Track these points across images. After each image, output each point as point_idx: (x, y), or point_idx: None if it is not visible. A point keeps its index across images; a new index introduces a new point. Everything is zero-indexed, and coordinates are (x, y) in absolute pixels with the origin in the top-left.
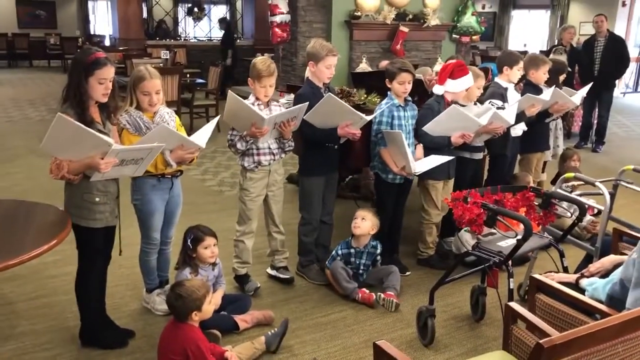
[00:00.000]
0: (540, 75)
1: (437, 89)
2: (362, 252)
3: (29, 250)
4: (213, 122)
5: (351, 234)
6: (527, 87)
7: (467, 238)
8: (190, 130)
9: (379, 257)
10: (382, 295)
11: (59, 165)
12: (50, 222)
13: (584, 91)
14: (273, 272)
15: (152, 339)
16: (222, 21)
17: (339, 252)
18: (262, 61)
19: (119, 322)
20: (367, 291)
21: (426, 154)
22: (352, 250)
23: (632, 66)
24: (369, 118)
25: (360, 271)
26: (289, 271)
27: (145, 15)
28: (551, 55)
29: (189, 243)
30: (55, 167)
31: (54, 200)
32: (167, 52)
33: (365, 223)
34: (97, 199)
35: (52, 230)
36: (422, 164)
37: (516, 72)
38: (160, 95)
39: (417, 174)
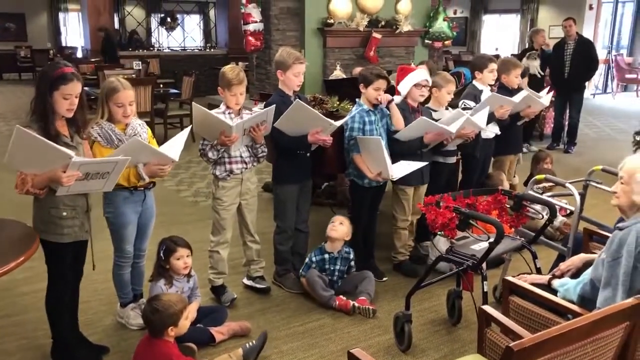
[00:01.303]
0: (512, 79)
1: (397, 98)
2: (336, 258)
3: None
4: (184, 133)
5: (324, 240)
6: (500, 90)
7: (441, 243)
8: (164, 140)
9: (352, 263)
10: (356, 304)
11: (24, 180)
12: (18, 238)
13: (549, 95)
14: (249, 282)
15: (126, 354)
16: (100, 29)
17: (313, 258)
18: (231, 69)
19: (92, 337)
20: (344, 298)
21: (399, 160)
22: (327, 256)
23: (601, 68)
24: (338, 124)
25: (335, 277)
26: (266, 281)
27: (117, 26)
28: (524, 60)
29: (161, 254)
30: (20, 181)
31: (23, 215)
32: (140, 62)
33: (342, 227)
34: (64, 214)
35: (19, 246)
36: (400, 168)
37: (488, 75)
38: (134, 107)
39: (394, 179)
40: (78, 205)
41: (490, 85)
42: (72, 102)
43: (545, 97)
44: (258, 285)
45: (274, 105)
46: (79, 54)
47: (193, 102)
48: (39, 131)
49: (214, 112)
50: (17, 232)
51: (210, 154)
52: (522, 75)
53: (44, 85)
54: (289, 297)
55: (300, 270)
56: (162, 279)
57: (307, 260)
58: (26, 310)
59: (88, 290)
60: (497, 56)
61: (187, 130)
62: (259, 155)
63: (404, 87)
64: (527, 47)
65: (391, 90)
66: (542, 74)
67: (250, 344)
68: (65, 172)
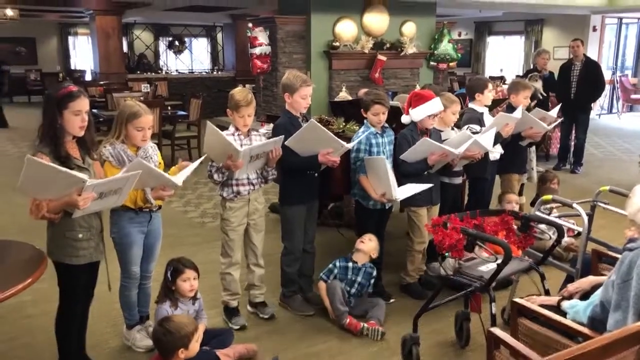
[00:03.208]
0: (520, 99)
1: (404, 119)
2: (360, 269)
3: (3, 289)
4: (196, 163)
5: (351, 252)
6: (508, 110)
7: (450, 264)
8: (172, 162)
9: (372, 282)
10: (366, 325)
11: (39, 206)
12: (25, 261)
13: (554, 111)
14: (252, 310)
15: None
16: None
17: (337, 264)
18: (239, 91)
19: None
20: (355, 320)
21: (405, 182)
22: (351, 265)
23: (606, 88)
24: (349, 146)
25: (354, 290)
26: (268, 306)
27: (126, 49)
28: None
29: (168, 275)
30: (35, 207)
31: (32, 237)
32: (148, 85)
33: (371, 243)
34: (80, 235)
35: (27, 268)
36: (404, 190)
37: (488, 95)
38: (150, 131)
39: (398, 199)
40: (93, 227)
41: (488, 107)
42: (84, 118)
43: (552, 111)
44: (261, 315)
45: (282, 136)
46: (88, 77)
47: (208, 122)
48: (49, 156)
49: (224, 133)
50: (25, 254)
51: (215, 176)
52: (532, 98)
53: (52, 106)
54: (296, 319)
55: (321, 274)
56: (168, 300)
57: (330, 265)
58: (33, 333)
59: (94, 312)
60: (502, 77)
61: (198, 162)
62: (268, 178)
63: (417, 114)
64: (530, 68)
65: (396, 111)
66: (545, 95)
67: None
68: (81, 195)
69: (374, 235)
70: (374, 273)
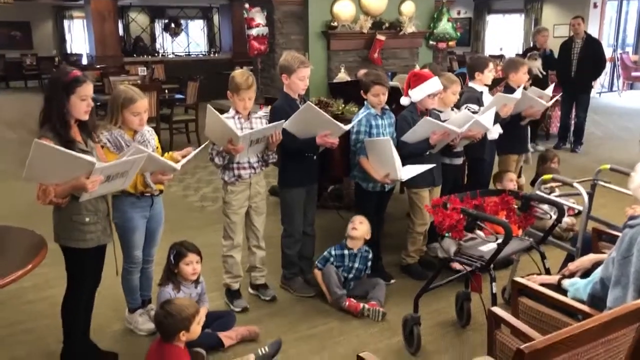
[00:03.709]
0: (520, 76)
1: (403, 100)
2: (356, 255)
3: (3, 276)
4: (196, 150)
5: (345, 238)
6: (506, 90)
7: (447, 244)
8: (171, 146)
9: (369, 264)
10: (367, 306)
11: (45, 191)
12: (26, 247)
13: (549, 90)
14: (254, 292)
15: None
16: None
17: (333, 252)
18: (240, 74)
19: (101, 344)
20: (354, 300)
21: (406, 164)
22: (347, 252)
23: (607, 66)
24: (347, 127)
25: (352, 275)
26: (269, 288)
27: (122, 32)
28: (525, 61)
29: (171, 258)
30: (42, 192)
31: (32, 223)
32: (145, 68)
33: (362, 226)
34: (87, 219)
35: (27, 254)
36: (408, 170)
37: (488, 75)
38: (146, 115)
39: (403, 180)
40: (100, 210)
41: (488, 86)
42: (89, 103)
43: (548, 98)
44: (263, 297)
45: (283, 120)
46: (84, 61)
47: (208, 105)
48: (55, 139)
49: (223, 116)
50: (25, 239)
51: (216, 160)
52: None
53: (58, 91)
54: (297, 301)
55: (317, 262)
56: (171, 283)
57: (325, 253)
58: (35, 318)
59: (97, 296)
60: (502, 56)
61: (198, 149)
62: (269, 161)
63: (417, 95)
64: (530, 46)
65: (395, 92)
66: (544, 73)
67: (263, 350)
68: (89, 178)
69: (363, 217)
70: (370, 255)
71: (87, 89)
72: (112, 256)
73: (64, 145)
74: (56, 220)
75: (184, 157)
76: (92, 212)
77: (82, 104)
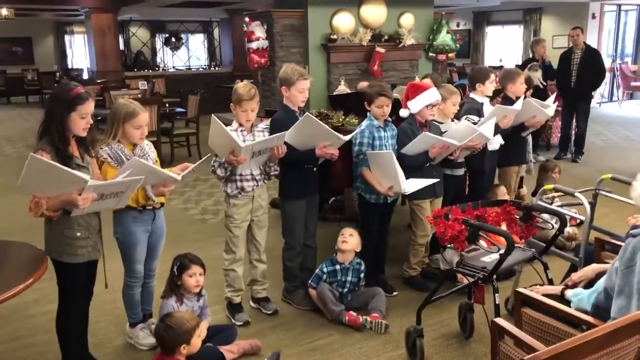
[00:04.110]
0: (518, 87)
1: (402, 112)
2: (348, 269)
3: (4, 290)
4: (195, 164)
5: (335, 252)
6: (504, 101)
7: (449, 255)
8: (172, 159)
9: (362, 275)
10: (368, 318)
11: (38, 203)
12: (26, 261)
13: (550, 100)
14: (255, 305)
15: None
16: None
17: (324, 269)
18: (243, 86)
19: (102, 359)
20: (354, 314)
21: (407, 176)
22: (338, 267)
23: (606, 76)
24: (346, 138)
25: (346, 289)
26: (271, 302)
27: (122, 47)
28: (525, 72)
29: (174, 270)
30: (34, 205)
31: (33, 237)
32: (145, 82)
33: (352, 239)
34: (78, 234)
35: (28, 268)
36: (412, 183)
37: (489, 86)
38: (147, 128)
39: (407, 193)
40: (91, 226)
41: (489, 97)
42: (88, 120)
43: (551, 108)
44: (264, 311)
45: (285, 132)
46: (85, 76)
47: (212, 115)
48: (52, 153)
49: (227, 129)
50: (26, 254)
51: (218, 171)
52: (527, 87)
53: (59, 107)
54: (299, 314)
55: (310, 281)
56: (174, 296)
57: (317, 271)
58: (36, 332)
59: (98, 311)
60: (501, 67)
61: (197, 163)
62: (270, 174)
63: (415, 105)
64: (529, 57)
65: (396, 103)
66: (545, 84)
67: None
68: (81, 194)
69: (352, 229)
70: (362, 267)
71: (89, 106)
72: (113, 271)
73: (60, 159)
74: (47, 233)
75: (182, 171)
76: (84, 227)
77: (81, 121)
